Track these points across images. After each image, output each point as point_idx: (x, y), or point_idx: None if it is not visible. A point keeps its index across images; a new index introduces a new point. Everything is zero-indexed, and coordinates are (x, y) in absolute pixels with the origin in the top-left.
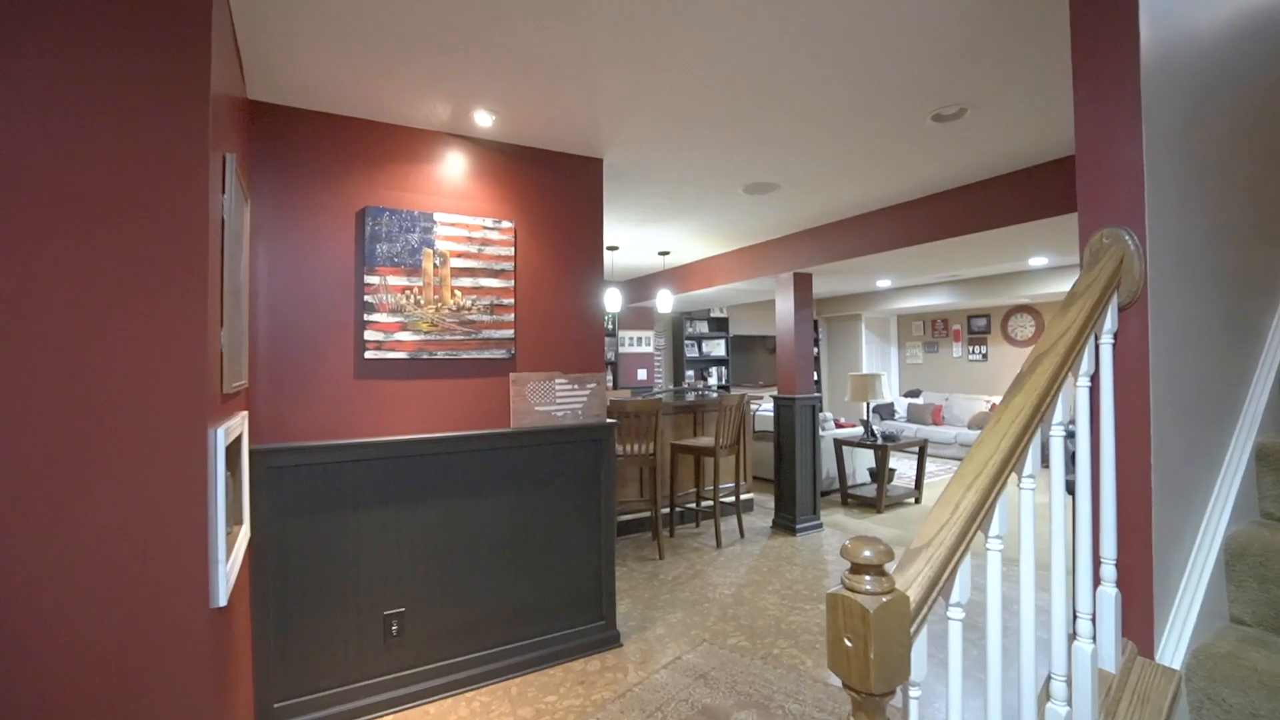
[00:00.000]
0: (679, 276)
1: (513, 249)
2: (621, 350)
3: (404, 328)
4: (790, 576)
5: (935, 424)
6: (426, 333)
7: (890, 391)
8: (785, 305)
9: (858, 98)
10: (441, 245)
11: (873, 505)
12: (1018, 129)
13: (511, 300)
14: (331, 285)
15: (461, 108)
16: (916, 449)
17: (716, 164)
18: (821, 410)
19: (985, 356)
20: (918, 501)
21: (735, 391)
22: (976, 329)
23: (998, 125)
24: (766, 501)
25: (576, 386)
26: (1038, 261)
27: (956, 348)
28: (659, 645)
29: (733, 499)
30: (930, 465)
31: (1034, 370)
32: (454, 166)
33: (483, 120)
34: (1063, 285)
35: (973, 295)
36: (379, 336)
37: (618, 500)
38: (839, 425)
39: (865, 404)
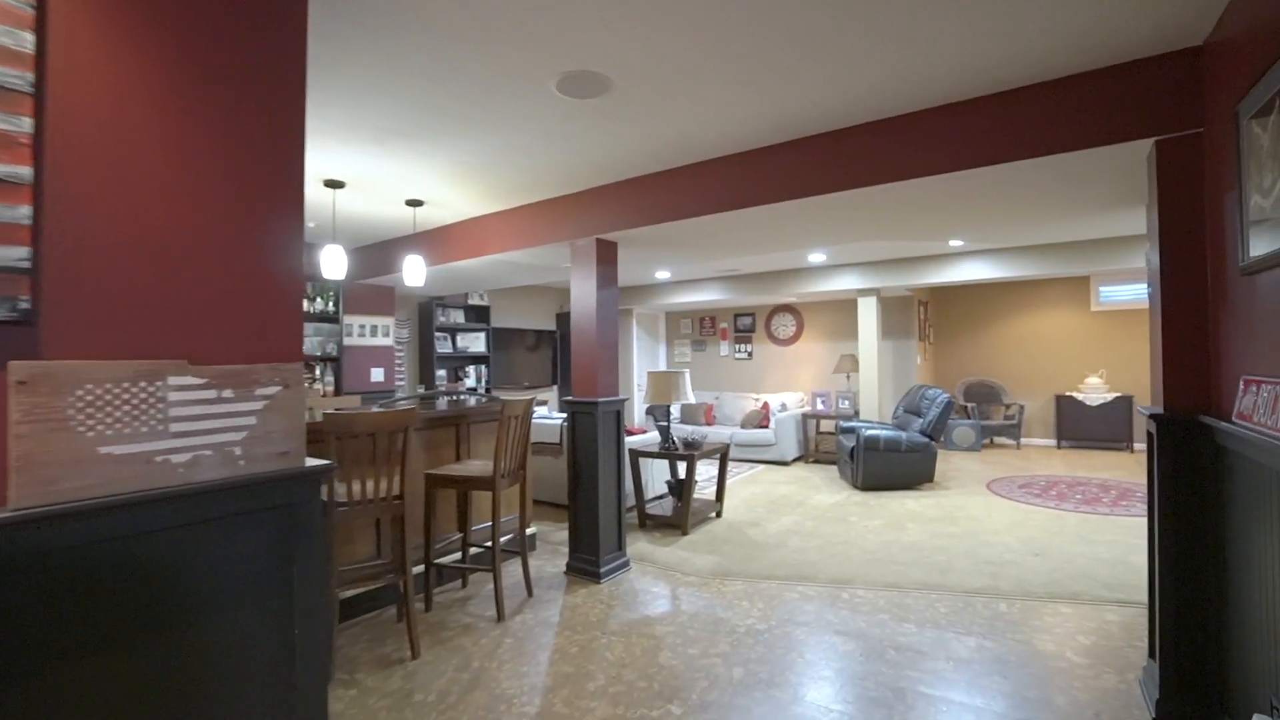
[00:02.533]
0: (436, 242)
1: (32, 37)
2: (349, 341)
3: None
4: (613, 657)
5: (708, 424)
6: None
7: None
8: (584, 283)
9: None
10: None
11: (675, 526)
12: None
13: (28, 170)
14: None
15: None
16: (718, 455)
17: (526, 20)
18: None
19: (750, 355)
20: (719, 515)
21: (503, 396)
22: (743, 327)
23: None
24: (551, 533)
25: (233, 395)
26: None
27: (724, 346)
28: None
29: (514, 541)
30: (709, 469)
31: None
32: None
33: None
34: (830, 284)
35: (743, 292)
36: None
37: (342, 564)
38: (629, 433)
39: (667, 406)
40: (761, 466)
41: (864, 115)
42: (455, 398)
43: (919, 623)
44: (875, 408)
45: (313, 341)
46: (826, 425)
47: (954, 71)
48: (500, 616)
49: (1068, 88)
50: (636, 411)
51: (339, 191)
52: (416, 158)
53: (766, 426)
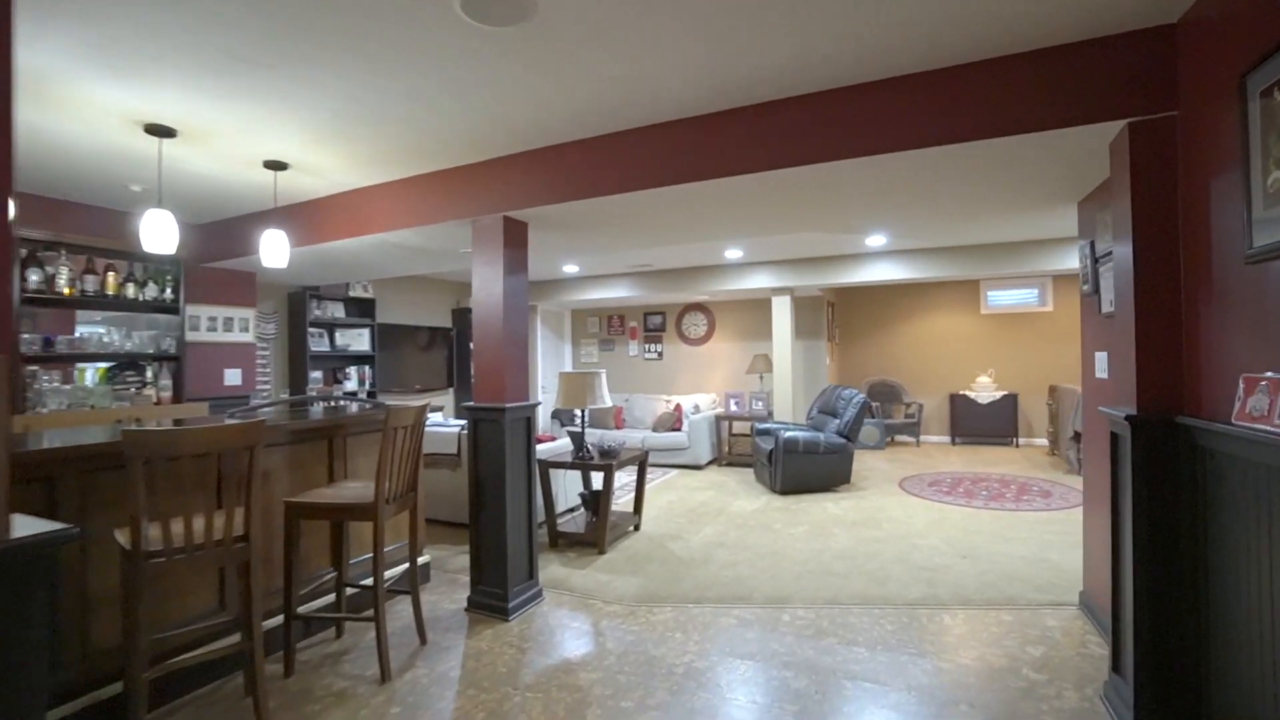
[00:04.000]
0: (306, 218)
1: None
2: (194, 337)
3: None
4: None
5: (617, 427)
6: None
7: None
8: (489, 269)
9: None
10: None
11: (591, 544)
12: None
13: None
14: None
15: None
16: (637, 463)
17: None
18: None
19: (661, 355)
20: (638, 529)
21: (390, 402)
22: (653, 326)
23: None
24: (448, 560)
25: None
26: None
27: (633, 346)
28: None
29: (403, 579)
30: (624, 476)
31: None
32: None
33: None
34: (745, 282)
35: (654, 290)
36: None
37: (160, 629)
38: (538, 440)
39: (580, 412)
40: (675, 471)
41: (817, 82)
42: (331, 404)
43: (869, 644)
44: (790, 409)
45: (142, 337)
46: (740, 427)
47: (930, 34)
48: (385, 675)
49: (1033, 62)
50: (542, 416)
51: (168, 142)
52: (277, 100)
53: (679, 429)
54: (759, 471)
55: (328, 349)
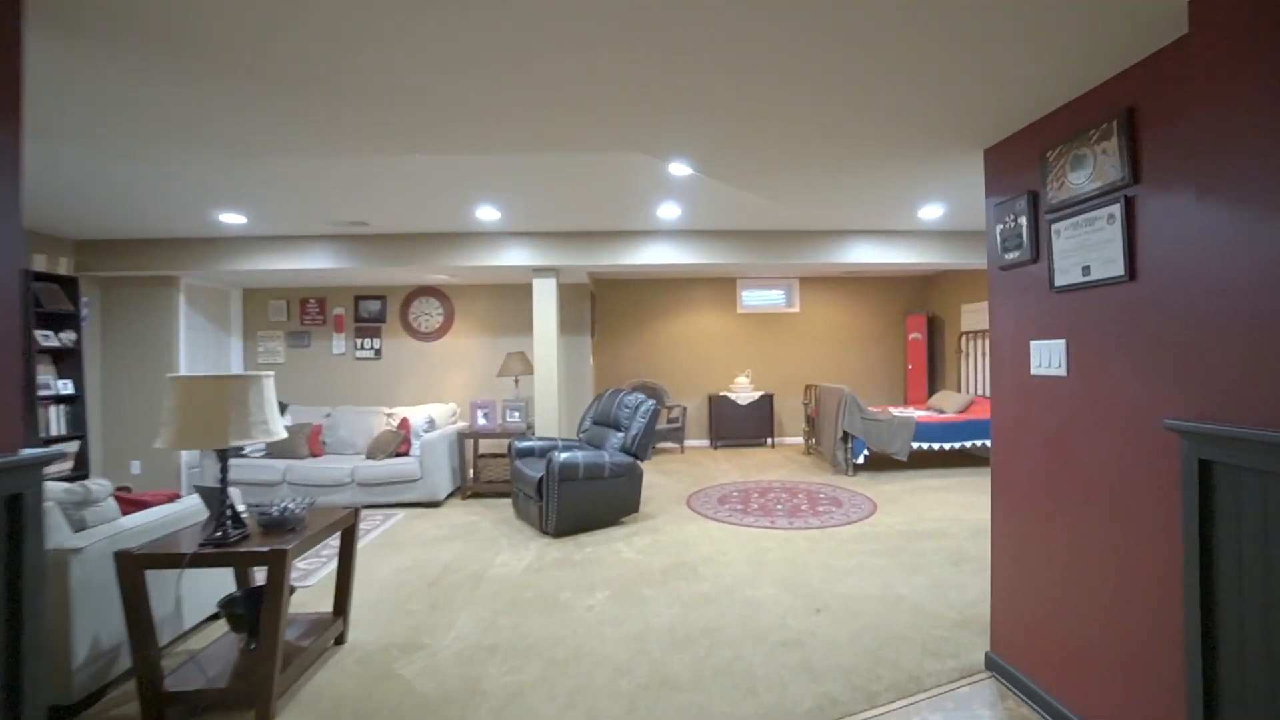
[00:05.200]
0: None
1: None
2: None
3: None
4: None
5: (314, 455)
6: None
7: (276, 417)
8: None
9: None
10: None
11: (244, 704)
12: None
13: None
14: None
15: None
16: (338, 532)
17: None
18: (90, 476)
19: (379, 353)
20: (341, 642)
21: None
22: (368, 315)
23: None
24: None
25: None
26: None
27: (338, 341)
28: None
29: None
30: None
31: None
32: None
33: None
34: (498, 256)
35: (370, 262)
36: None
37: None
38: (123, 501)
39: (224, 453)
40: (403, 513)
41: None
42: None
43: None
44: (555, 420)
45: None
46: (491, 445)
47: None
48: None
49: None
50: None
51: None
52: None
53: (407, 453)
54: (522, 506)
55: None
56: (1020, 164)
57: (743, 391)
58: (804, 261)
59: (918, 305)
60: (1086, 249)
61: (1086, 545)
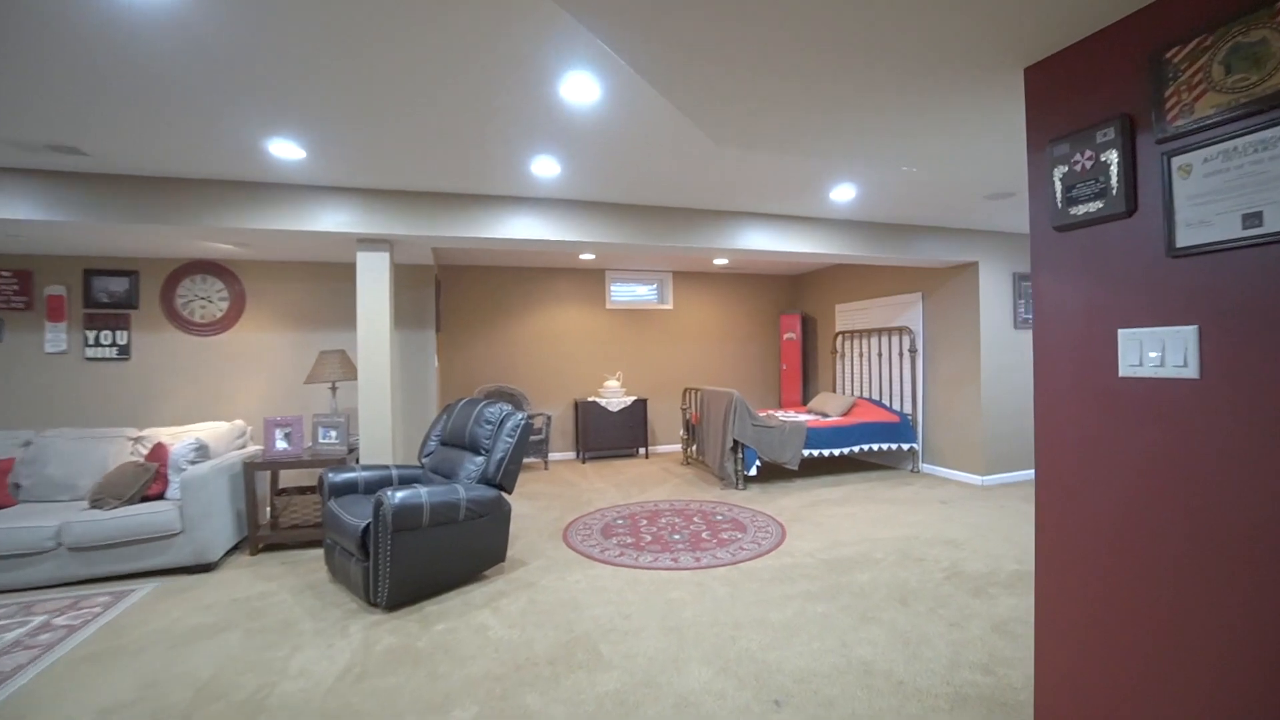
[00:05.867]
0: None
1: None
2: None
3: None
4: None
5: (3, 507)
6: None
7: None
8: None
9: None
10: None
11: None
12: None
13: None
14: None
15: None
16: None
17: None
18: None
19: (125, 351)
20: None
21: None
22: (107, 297)
23: None
24: None
25: None
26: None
27: (55, 334)
28: None
29: None
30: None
31: None
32: None
33: None
34: (308, 218)
35: (110, 218)
36: None
37: None
38: None
39: None
40: (151, 586)
41: None
42: None
43: None
44: (389, 441)
45: None
46: (299, 476)
47: None
48: None
49: None
50: None
51: None
52: None
53: (161, 495)
54: (338, 565)
55: None
56: (1103, 76)
57: (613, 396)
58: (699, 246)
59: (791, 304)
60: (1252, 188)
61: (1213, 615)
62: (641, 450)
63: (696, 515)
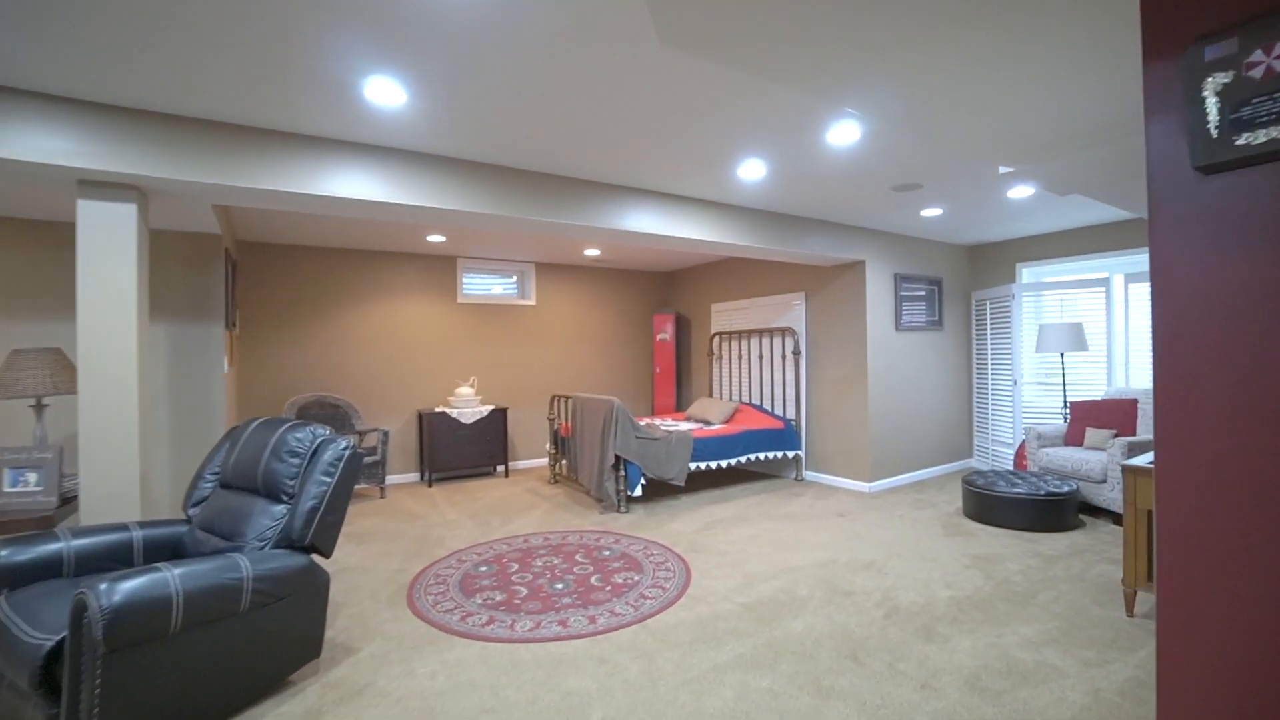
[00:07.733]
0: None
1: None
2: None
3: None
4: None
5: None
6: None
7: None
8: None
9: None
10: None
11: None
12: None
13: None
14: None
15: None
16: None
17: None
18: None
19: None
20: None
21: None
22: None
23: None
24: None
25: None
26: None
27: None
28: None
29: None
30: None
31: None
32: None
33: None
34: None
35: None
36: None
37: None
38: None
39: None
40: None
41: None
42: None
43: None
44: (136, 481)
45: None
46: None
47: None
48: None
49: None
50: None
51: None
52: None
53: None
54: (12, 708)
55: None
56: None
57: (467, 406)
58: (576, 223)
59: (664, 303)
60: None
61: None
62: (500, 468)
63: (579, 551)
